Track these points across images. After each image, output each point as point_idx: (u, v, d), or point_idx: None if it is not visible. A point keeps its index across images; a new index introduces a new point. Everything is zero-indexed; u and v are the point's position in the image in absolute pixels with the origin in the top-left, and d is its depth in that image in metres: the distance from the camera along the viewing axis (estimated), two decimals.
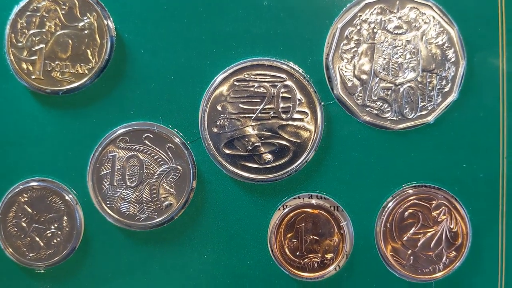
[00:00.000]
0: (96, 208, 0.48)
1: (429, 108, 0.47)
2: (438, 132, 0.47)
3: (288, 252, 0.48)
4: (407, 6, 0.46)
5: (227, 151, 0.47)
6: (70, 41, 0.47)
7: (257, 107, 0.47)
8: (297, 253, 0.48)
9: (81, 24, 0.47)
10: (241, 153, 0.47)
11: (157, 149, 0.48)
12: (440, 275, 0.47)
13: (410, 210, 0.47)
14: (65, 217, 0.49)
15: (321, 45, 0.47)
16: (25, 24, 0.47)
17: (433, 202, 0.47)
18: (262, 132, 0.47)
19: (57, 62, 0.47)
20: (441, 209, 0.47)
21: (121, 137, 0.48)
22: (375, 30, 0.46)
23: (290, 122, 0.47)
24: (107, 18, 0.47)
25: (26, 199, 0.49)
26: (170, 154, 0.48)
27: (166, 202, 0.48)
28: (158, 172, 0.48)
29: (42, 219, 0.49)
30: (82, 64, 0.47)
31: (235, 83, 0.47)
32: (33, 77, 0.47)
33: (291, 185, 0.48)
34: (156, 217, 0.48)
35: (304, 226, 0.48)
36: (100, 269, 0.50)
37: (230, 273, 0.49)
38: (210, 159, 0.48)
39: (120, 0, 0.48)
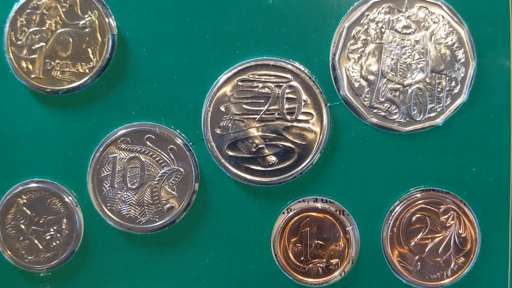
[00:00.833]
0: (96, 211, 0.48)
1: (438, 110, 0.46)
2: (447, 135, 0.47)
3: (292, 257, 0.48)
4: (416, 5, 0.46)
5: (230, 153, 0.47)
6: (70, 40, 0.47)
7: (262, 108, 0.46)
8: (302, 258, 0.47)
9: (82, 22, 0.47)
10: (245, 155, 0.47)
11: (159, 151, 0.47)
12: (448, 281, 0.47)
13: (418, 215, 0.47)
14: (64, 220, 0.49)
15: (328, 45, 0.47)
16: (25, 22, 0.47)
17: (442, 206, 0.47)
18: (266, 134, 0.47)
19: (57, 61, 0.47)
20: (449, 214, 0.47)
21: (122, 138, 0.47)
22: (383, 30, 0.46)
23: (295, 124, 0.46)
24: (108, 16, 0.47)
25: (25, 200, 0.49)
26: (172, 156, 0.47)
27: (168, 205, 0.48)
28: (159, 174, 0.47)
29: (41, 221, 0.49)
30: (82, 63, 0.47)
31: (239, 83, 0.46)
32: (33, 76, 0.47)
33: (296, 188, 0.48)
34: (157, 220, 0.48)
35: (308, 230, 0.47)
36: (100, 273, 0.49)
37: (233, 277, 0.49)
38: (213, 161, 0.47)
39: None
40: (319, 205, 0.47)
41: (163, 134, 0.47)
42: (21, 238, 0.49)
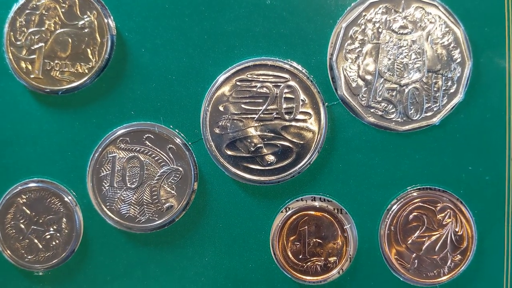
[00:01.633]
0: (96, 210, 0.48)
1: (435, 109, 0.46)
2: (443, 134, 0.47)
3: (290, 255, 0.48)
4: (412, 5, 0.46)
5: (229, 153, 0.47)
6: (70, 40, 0.47)
7: (260, 108, 0.46)
8: (300, 256, 0.47)
9: (81, 22, 0.47)
10: (243, 155, 0.47)
11: (158, 150, 0.47)
12: (445, 279, 0.47)
13: (415, 213, 0.47)
14: (64, 219, 0.48)
15: (325, 45, 0.47)
16: (24, 23, 0.47)
17: (438, 205, 0.47)
18: (265, 133, 0.47)
19: (56, 61, 0.47)
20: (446, 212, 0.47)
21: (121, 138, 0.47)
22: (380, 30, 0.46)
23: (293, 123, 0.46)
24: (107, 16, 0.47)
25: (25, 200, 0.48)
26: (171, 155, 0.47)
27: (167, 204, 0.47)
28: (159, 174, 0.47)
29: (40, 221, 0.48)
30: (82, 63, 0.47)
31: (238, 83, 0.46)
32: (32, 76, 0.47)
33: (294, 187, 0.48)
34: (156, 219, 0.48)
35: (307, 229, 0.47)
36: (99, 272, 0.49)
37: (232, 276, 0.49)
38: (212, 161, 0.47)
39: None
40: (317, 203, 0.48)
41: (162, 134, 0.47)
42: (21, 237, 0.48)
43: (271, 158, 0.47)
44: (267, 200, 0.48)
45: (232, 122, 0.47)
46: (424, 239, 0.47)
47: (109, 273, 0.49)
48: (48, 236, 0.48)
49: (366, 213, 0.48)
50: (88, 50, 0.47)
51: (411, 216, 0.47)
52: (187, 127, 0.48)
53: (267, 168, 0.47)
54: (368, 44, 0.46)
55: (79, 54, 0.47)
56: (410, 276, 0.47)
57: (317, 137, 0.46)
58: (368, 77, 0.46)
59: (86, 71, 0.47)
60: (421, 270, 0.47)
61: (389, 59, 0.46)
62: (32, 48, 0.47)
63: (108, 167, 0.48)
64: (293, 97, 0.46)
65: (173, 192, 0.47)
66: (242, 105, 0.47)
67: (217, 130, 0.47)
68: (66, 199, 0.48)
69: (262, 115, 0.46)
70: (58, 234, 0.48)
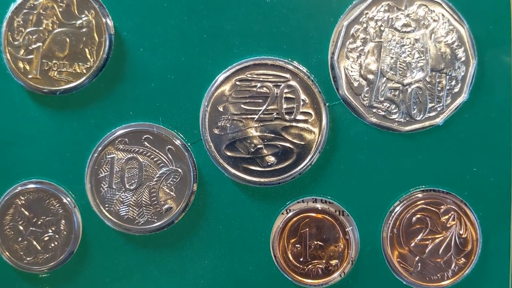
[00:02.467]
0: (95, 212, 0.48)
1: (438, 109, 0.46)
2: (447, 134, 0.47)
3: (291, 258, 0.47)
4: (415, 3, 0.46)
5: (228, 153, 0.46)
6: (67, 40, 0.46)
7: (260, 108, 0.46)
8: (301, 259, 0.47)
9: (79, 22, 0.46)
10: (243, 156, 0.46)
11: (157, 151, 0.47)
12: (448, 282, 0.47)
13: (418, 215, 0.47)
14: (62, 221, 0.48)
15: (326, 44, 0.46)
16: (21, 22, 0.47)
17: (442, 207, 0.47)
18: (265, 134, 0.46)
19: (54, 61, 0.47)
20: (450, 214, 0.47)
21: (120, 139, 0.47)
22: (382, 28, 0.46)
23: (293, 124, 0.46)
24: (105, 16, 0.47)
25: (23, 201, 0.48)
26: (170, 156, 0.47)
27: (166, 206, 0.47)
28: (157, 175, 0.47)
29: (39, 222, 0.48)
30: (80, 63, 0.47)
31: (237, 83, 0.46)
32: (30, 76, 0.47)
33: (295, 189, 0.48)
34: (155, 221, 0.47)
35: (308, 231, 0.47)
36: (98, 274, 0.49)
37: (232, 279, 0.49)
38: (211, 162, 0.47)
39: None
40: (318, 205, 0.47)
41: (161, 135, 0.47)
42: (20, 239, 0.49)
43: (271, 159, 0.46)
44: (267, 202, 0.48)
45: (232, 123, 0.46)
46: (427, 242, 0.47)
47: (108, 275, 0.49)
48: (47, 238, 0.48)
49: (368, 215, 0.48)
50: (86, 50, 0.46)
51: (414, 218, 0.47)
52: (186, 128, 0.47)
53: (267, 169, 0.46)
54: (370, 42, 0.46)
55: (77, 54, 0.46)
56: (413, 279, 0.47)
57: (318, 138, 0.46)
58: (370, 76, 0.46)
59: (84, 71, 0.47)
60: (424, 274, 0.47)
61: (392, 58, 0.46)
62: (30, 48, 0.47)
63: (107, 168, 0.47)
64: (293, 97, 0.46)
65: (172, 193, 0.47)
66: (242, 105, 0.46)
67: (216, 131, 0.46)
68: (64, 200, 0.48)
69: (262, 116, 0.46)
70: (56, 236, 0.48)
